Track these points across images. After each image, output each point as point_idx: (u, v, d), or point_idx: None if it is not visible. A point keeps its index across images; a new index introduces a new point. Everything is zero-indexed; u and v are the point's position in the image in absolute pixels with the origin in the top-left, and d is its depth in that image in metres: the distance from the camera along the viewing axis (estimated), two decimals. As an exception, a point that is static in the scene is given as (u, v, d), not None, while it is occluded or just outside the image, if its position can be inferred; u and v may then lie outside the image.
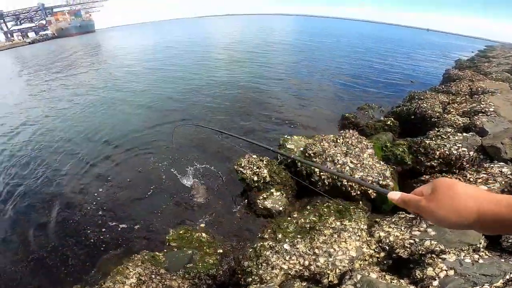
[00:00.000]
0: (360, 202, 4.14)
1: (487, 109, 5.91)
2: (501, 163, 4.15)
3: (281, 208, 4.35)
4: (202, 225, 4.29)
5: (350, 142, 5.44)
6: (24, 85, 15.73)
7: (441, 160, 4.72)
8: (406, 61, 19.73)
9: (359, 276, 2.54)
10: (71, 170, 6.28)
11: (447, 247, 2.73)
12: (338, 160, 4.78)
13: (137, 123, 8.29)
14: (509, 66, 13.34)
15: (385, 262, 2.89)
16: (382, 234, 3.20)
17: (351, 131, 5.91)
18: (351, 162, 4.77)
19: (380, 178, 4.43)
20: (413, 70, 16.63)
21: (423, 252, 2.76)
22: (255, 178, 4.81)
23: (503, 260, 2.53)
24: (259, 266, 3.00)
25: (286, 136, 6.05)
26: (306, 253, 3.05)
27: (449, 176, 4.32)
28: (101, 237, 4.31)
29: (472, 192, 0.65)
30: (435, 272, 2.47)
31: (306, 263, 2.95)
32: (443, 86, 8.98)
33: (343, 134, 5.70)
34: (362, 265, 2.90)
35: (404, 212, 3.49)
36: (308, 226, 3.57)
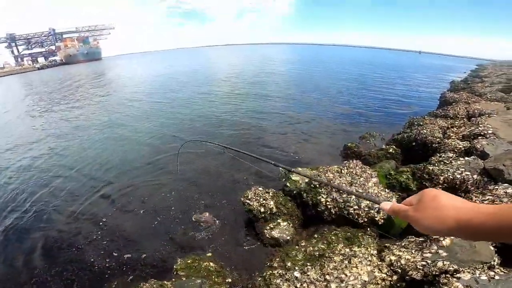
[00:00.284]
0: (368, 229, 4.10)
1: (486, 132, 6.02)
2: (505, 185, 4.17)
3: (288, 237, 4.31)
4: (210, 254, 4.22)
5: (354, 172, 5.52)
6: (27, 113, 16.18)
7: (446, 184, 4.75)
8: (402, 87, 20.23)
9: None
10: (76, 199, 6.30)
11: (461, 267, 2.69)
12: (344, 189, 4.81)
13: (140, 154, 8.44)
14: (501, 85, 13.69)
15: (398, 285, 2.83)
16: (393, 258, 3.16)
17: (354, 161, 5.99)
18: (357, 191, 4.81)
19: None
20: (410, 95, 17.01)
21: (436, 273, 2.71)
22: (262, 209, 4.83)
23: (519, 276, 2.49)
24: (270, 295, 2.94)
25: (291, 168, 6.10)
26: (317, 279, 3.00)
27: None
28: (107, 265, 4.24)
29: (454, 202, 0.70)
30: (450, 292, 2.43)
31: (318, 290, 2.90)
32: (440, 110, 9.16)
33: (347, 165, 5.78)
34: (375, 290, 2.84)
35: (413, 236, 3.46)
36: (317, 253, 3.52)
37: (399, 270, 2.95)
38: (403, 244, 3.38)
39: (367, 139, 8.40)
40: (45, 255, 4.64)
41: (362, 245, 3.54)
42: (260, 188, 5.35)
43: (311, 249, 3.64)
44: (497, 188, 4.11)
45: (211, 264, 3.77)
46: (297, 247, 3.79)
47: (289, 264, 3.39)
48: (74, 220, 5.56)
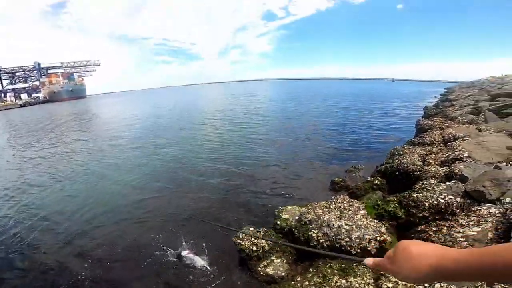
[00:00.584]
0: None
1: (462, 156, 6.31)
2: (488, 204, 4.32)
3: (283, 274, 4.20)
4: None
5: (342, 206, 5.60)
6: (7, 151, 15.85)
7: (432, 210, 4.87)
8: (380, 117, 21.07)
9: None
10: (50, 246, 6.01)
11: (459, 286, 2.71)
12: (333, 224, 4.86)
13: (123, 198, 8.27)
14: (470, 107, 14.37)
15: (397, 310, 2.79)
16: (390, 285, 3.14)
17: (341, 196, 6.14)
18: (346, 224, 4.86)
19: (377, 235, 4.50)
20: (389, 125, 17.71)
21: (433, 295, 2.71)
22: (254, 248, 4.75)
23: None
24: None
25: (280, 207, 6.17)
26: (315, 313, 2.92)
27: (443, 224, 4.41)
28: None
29: (423, 251, 0.74)
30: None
31: (317, 324, 2.81)
32: (417, 138, 9.49)
33: (334, 200, 5.87)
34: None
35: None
36: (313, 287, 3.45)
37: (397, 296, 2.92)
38: (397, 270, 3.37)
39: (353, 172, 8.57)
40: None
41: (358, 275, 3.50)
42: (251, 228, 5.33)
43: (307, 283, 3.57)
44: (480, 209, 4.25)
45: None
46: (293, 282, 3.71)
47: (286, 300, 3.30)
48: (48, 270, 5.26)
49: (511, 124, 8.78)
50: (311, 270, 3.98)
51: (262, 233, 5.16)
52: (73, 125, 28.14)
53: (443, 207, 4.77)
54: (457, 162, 6.12)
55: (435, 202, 4.88)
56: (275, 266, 4.36)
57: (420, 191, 5.33)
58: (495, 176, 4.79)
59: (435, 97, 34.88)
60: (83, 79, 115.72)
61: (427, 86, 76.39)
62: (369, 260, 0.91)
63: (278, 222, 5.50)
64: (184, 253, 5.16)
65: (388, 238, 4.45)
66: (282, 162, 10.63)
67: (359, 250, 4.26)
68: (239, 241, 4.93)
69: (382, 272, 3.53)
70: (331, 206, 5.64)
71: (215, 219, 6.56)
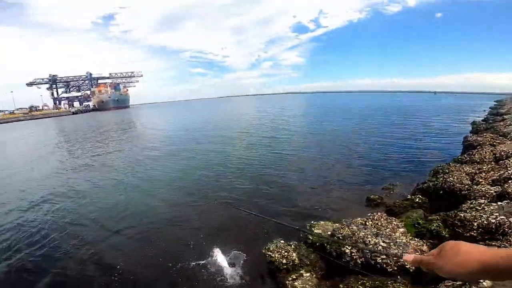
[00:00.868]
0: (398, 277, 3.79)
1: (515, 175, 5.75)
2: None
3: (312, 288, 4.01)
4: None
5: (379, 223, 5.34)
6: (54, 157, 17.29)
7: (481, 229, 4.45)
8: (422, 132, 19.62)
9: None
10: (89, 243, 6.41)
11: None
12: (369, 241, 4.62)
13: (158, 204, 8.62)
14: None
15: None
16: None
17: (379, 213, 5.84)
18: (383, 241, 4.58)
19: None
20: (431, 141, 16.38)
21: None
22: (284, 261, 4.63)
23: None
24: None
25: (312, 221, 6.00)
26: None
27: (493, 244, 4.00)
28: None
29: (472, 249, 0.79)
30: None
31: None
32: (465, 156, 8.84)
33: (371, 217, 5.62)
34: None
35: (451, 281, 3.16)
36: (344, 303, 3.24)
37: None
38: (438, 289, 3.08)
39: (390, 190, 8.12)
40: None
41: (393, 293, 3.23)
42: (282, 241, 5.21)
43: (337, 298, 3.36)
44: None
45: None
46: (321, 297, 3.51)
47: (313, 314, 3.12)
48: (84, 266, 5.56)
49: None
50: (341, 286, 3.77)
51: (293, 246, 5.01)
52: (119, 134, 30.26)
53: (493, 227, 4.34)
54: (510, 181, 5.60)
55: (485, 222, 4.47)
56: (304, 280, 4.19)
57: (468, 211, 4.91)
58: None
59: (484, 111, 32.30)
60: (127, 90, 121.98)
61: (472, 99, 71.30)
62: (409, 257, 0.94)
63: (310, 237, 5.32)
64: (214, 261, 5.17)
65: (430, 257, 4.09)
66: (315, 177, 10.37)
67: (395, 268, 3.96)
68: (269, 253, 4.84)
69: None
70: (367, 223, 5.42)
71: (243, 232, 6.52)
